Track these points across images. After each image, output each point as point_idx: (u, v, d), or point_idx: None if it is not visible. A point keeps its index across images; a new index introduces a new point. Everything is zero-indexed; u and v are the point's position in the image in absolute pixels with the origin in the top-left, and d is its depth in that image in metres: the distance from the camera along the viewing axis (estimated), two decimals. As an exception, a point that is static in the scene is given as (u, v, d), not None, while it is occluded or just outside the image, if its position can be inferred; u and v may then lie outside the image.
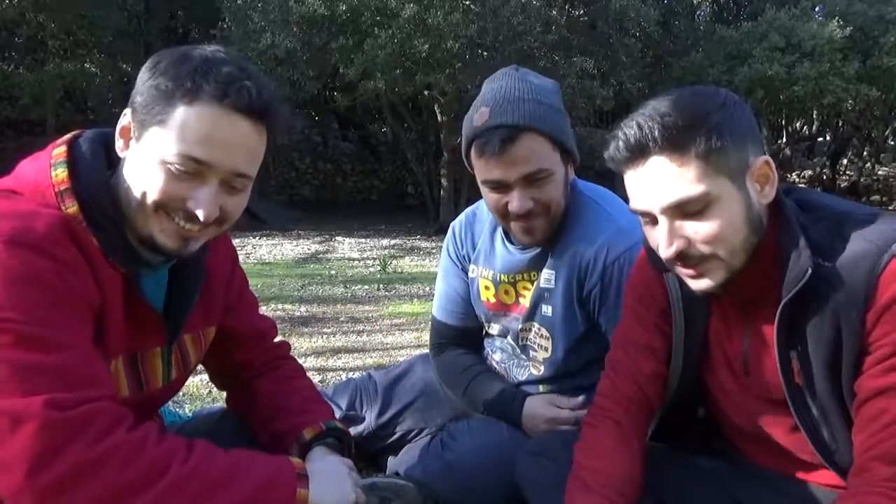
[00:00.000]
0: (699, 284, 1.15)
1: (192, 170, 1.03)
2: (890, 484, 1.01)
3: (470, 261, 1.88)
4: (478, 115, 1.55)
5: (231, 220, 1.12)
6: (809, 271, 1.06)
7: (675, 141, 1.06)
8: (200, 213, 1.05)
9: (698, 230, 1.09)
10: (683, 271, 1.15)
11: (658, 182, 1.08)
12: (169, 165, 1.03)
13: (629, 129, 1.09)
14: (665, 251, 1.11)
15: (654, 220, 1.12)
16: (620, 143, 1.10)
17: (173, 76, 1.03)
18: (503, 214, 1.60)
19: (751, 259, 1.13)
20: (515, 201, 1.54)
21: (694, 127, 1.06)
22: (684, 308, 1.28)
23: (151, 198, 1.05)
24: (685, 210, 1.08)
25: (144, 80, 1.05)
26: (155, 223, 1.06)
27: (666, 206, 1.09)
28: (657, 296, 1.32)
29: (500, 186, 1.55)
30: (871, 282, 1.05)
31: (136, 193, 1.06)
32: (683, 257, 1.12)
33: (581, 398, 1.65)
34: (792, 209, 1.14)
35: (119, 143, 1.09)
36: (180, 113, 1.02)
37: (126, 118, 1.08)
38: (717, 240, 1.09)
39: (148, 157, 1.04)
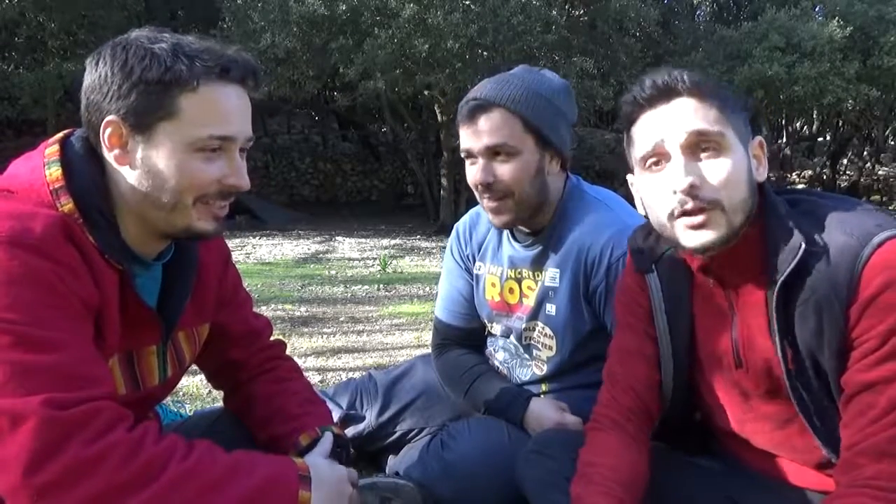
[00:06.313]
0: (700, 237, 1.13)
1: (218, 147, 1.09)
2: (874, 482, 1.01)
3: (475, 259, 1.89)
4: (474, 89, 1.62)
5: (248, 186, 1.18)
6: (803, 246, 1.09)
7: (701, 88, 1.16)
8: (243, 184, 1.12)
9: (711, 168, 1.13)
10: (686, 221, 1.14)
11: (682, 115, 1.15)
12: (200, 151, 1.07)
13: (657, 77, 1.18)
14: (680, 182, 1.12)
15: (665, 158, 1.15)
16: (647, 83, 1.18)
17: (157, 68, 1.03)
18: (475, 189, 1.65)
19: (740, 238, 1.15)
20: (477, 171, 1.60)
21: (715, 87, 1.17)
22: (666, 310, 1.30)
23: (192, 190, 1.08)
24: (702, 145, 1.13)
25: (116, 83, 1.04)
26: (193, 214, 1.10)
27: (690, 132, 1.13)
28: (642, 302, 1.35)
29: (470, 157, 1.62)
30: (853, 276, 1.06)
31: (168, 190, 1.07)
32: (693, 197, 1.12)
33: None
34: (777, 199, 1.19)
35: (114, 153, 1.07)
36: (187, 99, 1.05)
37: (111, 126, 1.05)
38: (726, 182, 1.12)
39: (170, 153, 1.06)
